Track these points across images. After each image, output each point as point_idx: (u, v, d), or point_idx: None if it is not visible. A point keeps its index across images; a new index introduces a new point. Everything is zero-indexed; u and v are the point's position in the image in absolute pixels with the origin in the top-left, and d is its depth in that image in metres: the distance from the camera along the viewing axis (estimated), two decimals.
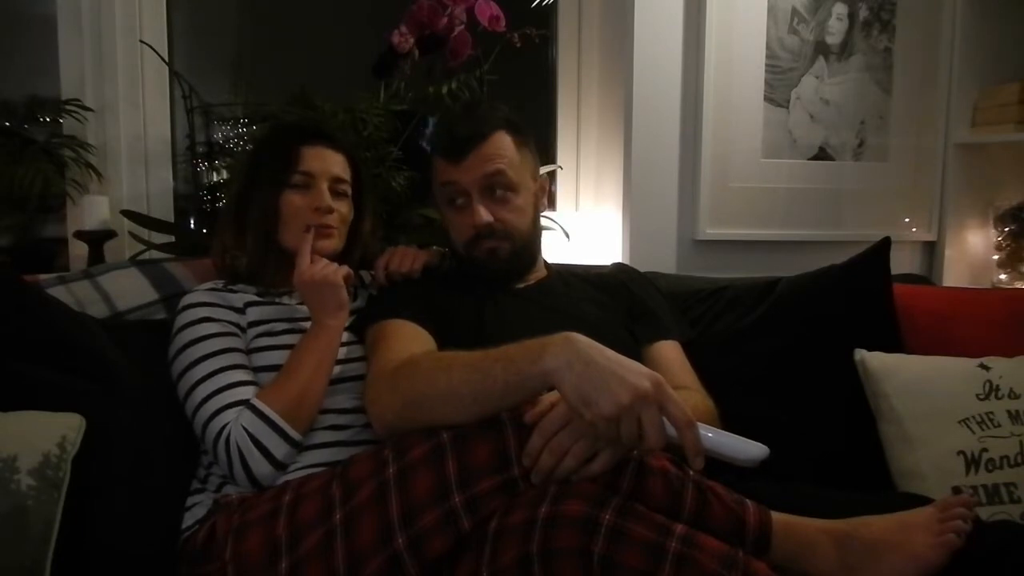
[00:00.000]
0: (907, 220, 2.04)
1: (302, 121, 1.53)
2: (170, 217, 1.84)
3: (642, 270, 1.61)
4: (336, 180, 1.30)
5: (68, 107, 1.67)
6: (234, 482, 1.13)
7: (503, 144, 1.28)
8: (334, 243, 1.30)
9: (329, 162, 1.30)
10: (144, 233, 1.72)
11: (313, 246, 1.25)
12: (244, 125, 1.88)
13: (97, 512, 1.10)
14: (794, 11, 1.90)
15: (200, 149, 1.85)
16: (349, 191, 1.33)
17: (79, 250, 1.70)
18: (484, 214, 1.27)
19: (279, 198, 1.27)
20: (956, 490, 1.24)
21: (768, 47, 1.89)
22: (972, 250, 2.03)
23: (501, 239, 1.29)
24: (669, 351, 1.35)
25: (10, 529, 0.98)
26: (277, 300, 1.29)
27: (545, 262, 1.43)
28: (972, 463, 1.27)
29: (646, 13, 1.81)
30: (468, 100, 1.33)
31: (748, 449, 0.96)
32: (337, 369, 1.23)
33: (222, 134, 1.90)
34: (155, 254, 1.66)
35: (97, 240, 1.65)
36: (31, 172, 1.58)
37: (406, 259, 1.37)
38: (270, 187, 1.27)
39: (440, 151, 1.31)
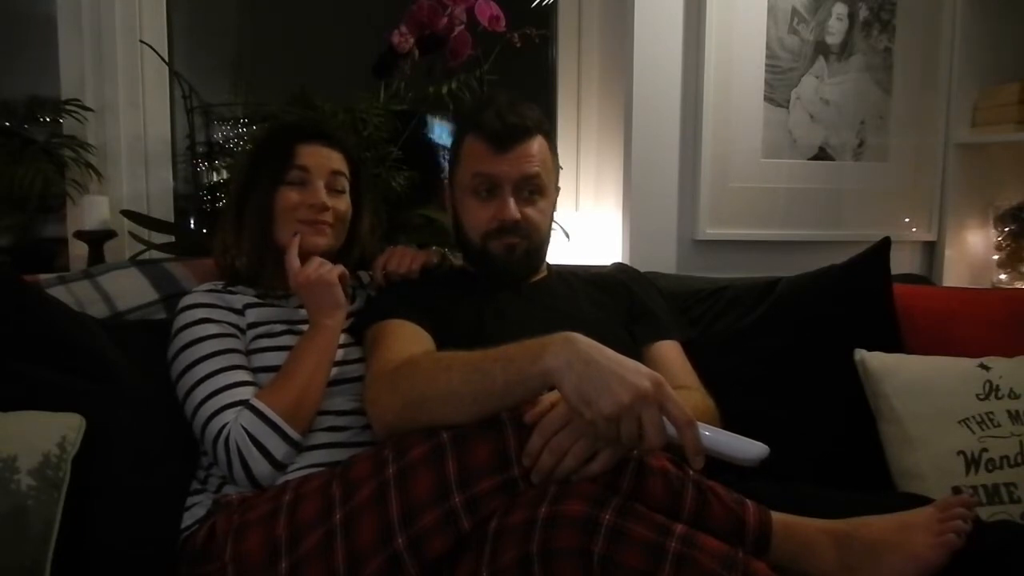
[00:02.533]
0: (907, 220, 2.04)
1: (301, 120, 1.53)
2: (170, 217, 1.84)
3: (642, 270, 1.61)
4: (334, 174, 1.30)
5: (68, 107, 1.67)
6: (234, 482, 1.13)
7: (543, 148, 1.30)
8: (328, 240, 1.29)
9: (326, 158, 1.29)
10: (144, 233, 1.72)
11: (307, 243, 1.25)
12: (244, 125, 1.88)
13: (97, 512, 1.10)
14: (794, 11, 1.90)
15: (200, 149, 1.85)
16: (347, 187, 1.33)
17: (79, 250, 1.70)
18: (515, 210, 1.27)
19: (275, 194, 1.26)
20: (956, 490, 1.24)
21: (768, 47, 1.89)
22: (972, 250, 2.03)
23: (522, 236, 1.29)
24: (669, 351, 1.35)
25: (10, 529, 0.98)
26: (275, 302, 1.29)
27: (546, 263, 1.44)
28: (972, 463, 1.27)
29: (646, 13, 1.81)
30: (512, 96, 1.32)
31: (748, 449, 0.96)
32: (335, 370, 1.23)
33: (222, 134, 1.90)
34: (155, 254, 1.66)
35: (97, 240, 1.66)
36: (31, 172, 1.59)
37: (404, 259, 1.37)
38: (267, 184, 1.27)
39: (484, 137, 1.27)
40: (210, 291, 1.27)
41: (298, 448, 1.15)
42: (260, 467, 1.11)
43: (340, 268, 1.24)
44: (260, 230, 1.27)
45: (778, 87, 1.91)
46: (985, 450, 1.27)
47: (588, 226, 1.99)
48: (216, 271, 1.34)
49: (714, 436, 0.96)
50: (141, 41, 1.76)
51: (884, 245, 1.45)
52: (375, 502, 0.95)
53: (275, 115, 1.67)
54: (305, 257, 1.24)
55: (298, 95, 1.68)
